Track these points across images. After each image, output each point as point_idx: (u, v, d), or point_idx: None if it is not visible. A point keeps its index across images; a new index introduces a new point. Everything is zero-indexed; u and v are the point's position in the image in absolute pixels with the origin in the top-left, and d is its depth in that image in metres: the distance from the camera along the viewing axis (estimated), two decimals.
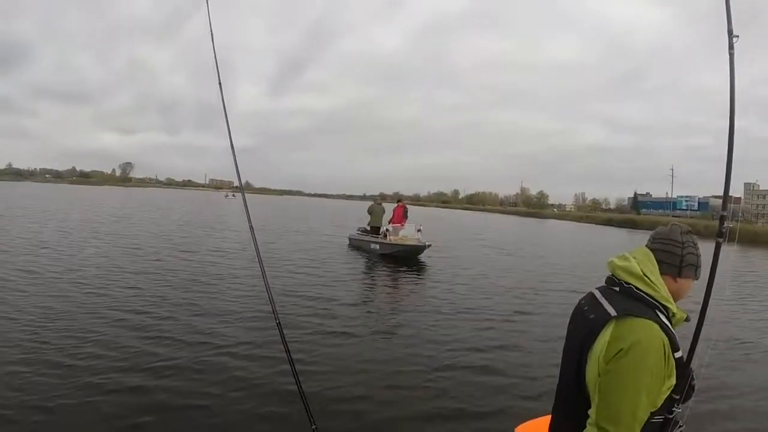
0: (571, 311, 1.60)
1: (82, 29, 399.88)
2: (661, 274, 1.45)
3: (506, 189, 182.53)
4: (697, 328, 2.04)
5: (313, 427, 2.08)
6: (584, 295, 1.61)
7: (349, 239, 17.45)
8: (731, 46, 1.47)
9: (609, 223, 58.53)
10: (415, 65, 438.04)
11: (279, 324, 2.42)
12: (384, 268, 12.59)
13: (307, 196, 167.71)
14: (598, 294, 1.50)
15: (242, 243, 14.91)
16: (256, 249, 2.68)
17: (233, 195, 78.23)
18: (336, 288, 9.19)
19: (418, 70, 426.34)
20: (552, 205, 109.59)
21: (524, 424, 2.13)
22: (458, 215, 68.27)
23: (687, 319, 1.48)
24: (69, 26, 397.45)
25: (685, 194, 77.52)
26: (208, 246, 14.55)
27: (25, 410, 3.60)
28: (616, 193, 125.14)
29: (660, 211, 73.26)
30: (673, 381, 1.34)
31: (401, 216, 15.79)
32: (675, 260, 1.48)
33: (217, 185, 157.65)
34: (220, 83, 3.02)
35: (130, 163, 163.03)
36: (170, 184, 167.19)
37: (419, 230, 14.91)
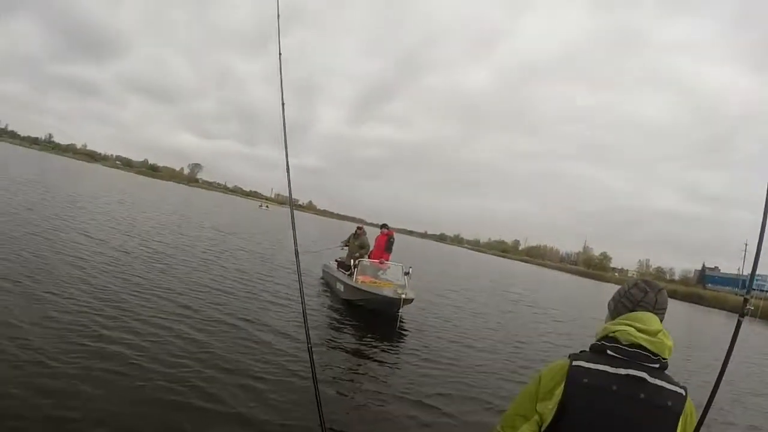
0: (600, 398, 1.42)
1: (181, 31, 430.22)
2: None
3: (569, 245, 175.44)
4: (708, 401, 2.10)
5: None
6: (615, 380, 1.43)
7: (323, 270, 13.56)
8: None
9: (672, 295, 54.78)
10: (498, 108, 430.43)
11: (309, 342, 2.48)
12: (334, 319, 9.04)
13: (367, 225, 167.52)
14: (646, 377, 1.41)
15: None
16: (299, 272, 2.80)
17: (266, 206, 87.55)
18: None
19: (501, 113, 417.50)
20: (614, 268, 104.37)
21: None
22: (515, 266, 65.92)
23: None
24: (168, 26, 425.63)
25: (758, 273, 71.41)
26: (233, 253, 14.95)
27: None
28: (681, 264, 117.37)
29: (728, 288, 67.79)
30: None
31: (383, 248, 11.76)
32: None
33: (281, 200, 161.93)
34: (282, 104, 3.26)
35: (198, 164, 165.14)
36: (236, 191, 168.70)
37: (407, 274, 10.69)
